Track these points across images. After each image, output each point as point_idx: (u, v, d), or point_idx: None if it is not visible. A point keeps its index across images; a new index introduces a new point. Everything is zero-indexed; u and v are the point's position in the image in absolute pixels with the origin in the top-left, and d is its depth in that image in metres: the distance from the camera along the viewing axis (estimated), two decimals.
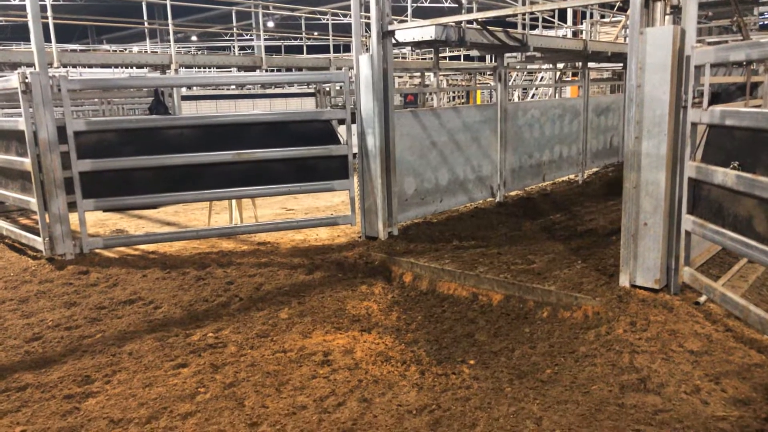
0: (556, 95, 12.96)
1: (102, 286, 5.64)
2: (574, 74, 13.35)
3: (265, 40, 14.73)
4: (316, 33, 22.41)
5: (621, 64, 12.25)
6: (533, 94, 19.10)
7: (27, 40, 18.79)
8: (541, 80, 17.60)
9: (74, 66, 15.67)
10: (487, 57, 17.60)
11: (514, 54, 11.24)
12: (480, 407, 3.45)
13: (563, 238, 6.69)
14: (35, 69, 6.08)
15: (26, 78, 5.97)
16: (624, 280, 4.88)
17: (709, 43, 8.50)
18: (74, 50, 17.64)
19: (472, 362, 4.05)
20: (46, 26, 8.74)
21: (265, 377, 3.87)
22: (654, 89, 4.51)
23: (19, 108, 6.12)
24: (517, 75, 18.25)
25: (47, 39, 8.43)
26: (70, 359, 4.19)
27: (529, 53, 9.32)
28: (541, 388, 3.65)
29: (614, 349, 4.04)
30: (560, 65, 12.58)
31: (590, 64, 11.20)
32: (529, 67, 13.75)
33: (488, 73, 17.83)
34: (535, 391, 3.61)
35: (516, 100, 17.30)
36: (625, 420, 3.26)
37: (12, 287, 5.68)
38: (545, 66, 14.05)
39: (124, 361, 4.14)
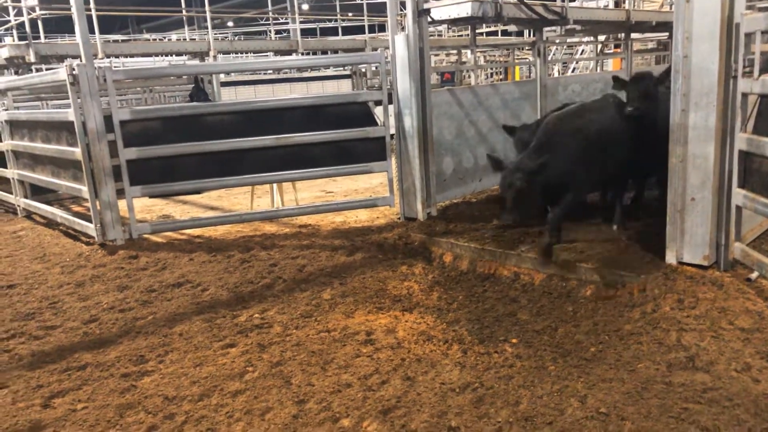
0: (598, 69, 12.60)
1: (151, 270, 5.85)
2: (617, 46, 12.94)
3: (301, 22, 14.76)
4: (350, 14, 22.32)
5: (666, 34, 11.80)
6: (574, 69, 18.61)
7: (69, 32, 19.33)
8: (581, 54, 17.13)
9: (116, 56, 16.05)
10: (526, 32, 17.22)
11: (554, 28, 10.95)
12: (523, 385, 3.46)
13: (607, 215, 6.55)
14: (81, 61, 6.27)
15: (73, 70, 6.16)
16: (671, 258, 4.77)
17: (760, 9, 8.11)
18: (116, 41, 18.09)
19: (514, 341, 4.05)
20: (89, 18, 8.96)
21: (311, 356, 3.96)
22: (701, 59, 4.34)
23: (66, 99, 6.33)
24: (557, 49, 17.81)
25: (91, 31, 8.66)
26: (125, 340, 4.38)
27: (569, 26, 9.07)
28: (586, 366, 3.63)
29: (661, 327, 3.97)
30: (602, 37, 12.21)
31: (633, 35, 10.82)
32: (569, 40, 13.39)
33: (527, 48, 17.44)
34: (579, 370, 3.59)
35: (556, 75, 16.90)
36: (672, 398, 3.22)
37: (68, 272, 5.94)
38: (586, 39, 13.65)
39: (175, 342, 4.31)
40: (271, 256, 6.01)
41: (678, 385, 3.33)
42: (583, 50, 17.03)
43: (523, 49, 19.74)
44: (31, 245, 7.07)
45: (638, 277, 4.59)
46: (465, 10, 6.77)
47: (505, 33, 18.36)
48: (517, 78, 20.75)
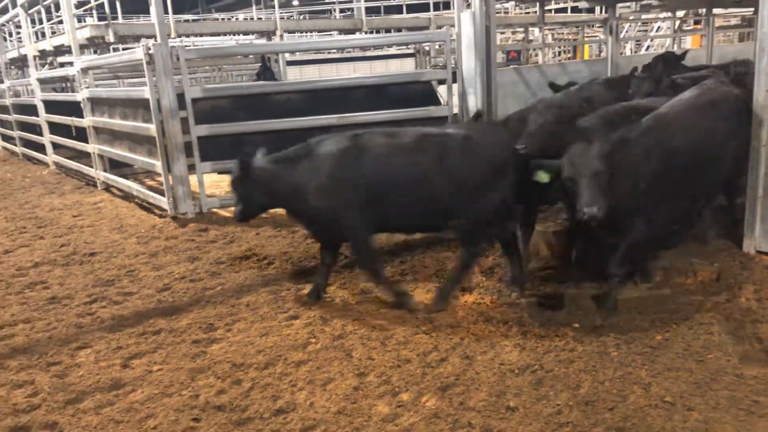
0: (675, 47, 11.98)
1: (220, 243, 6.09)
2: (696, 22, 12.25)
3: (365, 1, 14.74)
4: None
5: (752, 9, 11.06)
6: (648, 47, 17.74)
7: (142, 12, 20.04)
8: (657, 31, 16.31)
9: (187, 36, 16.58)
10: (597, 8, 16.52)
11: (628, 3, 10.47)
12: (584, 370, 3.42)
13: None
14: (157, 40, 6.52)
15: (150, 49, 6.42)
16: (748, 246, 4.55)
17: None
18: (187, 21, 18.64)
19: (576, 325, 3.99)
20: None
21: (371, 331, 4.04)
22: None
23: (138, 78, 6.62)
24: (630, 26, 17.03)
25: (164, 11, 8.96)
26: (196, 308, 4.60)
27: (644, 1, 8.65)
28: (651, 354, 3.54)
29: (734, 317, 3.82)
30: (680, 13, 11.58)
31: (715, 10, 10.21)
32: (643, 16, 12.78)
33: (597, 25, 16.78)
34: (643, 357, 3.51)
35: (628, 53, 16.17)
36: (743, 390, 3.10)
37: (143, 242, 6.27)
38: (662, 15, 12.97)
39: (242, 312, 4.49)
40: None
41: (750, 378, 3.20)
42: (659, 27, 16.20)
43: (593, 27, 18.99)
44: (110, 216, 7.50)
45: (712, 265, 4.40)
46: None
47: (575, 9, 17.69)
48: (587, 57, 20.01)
